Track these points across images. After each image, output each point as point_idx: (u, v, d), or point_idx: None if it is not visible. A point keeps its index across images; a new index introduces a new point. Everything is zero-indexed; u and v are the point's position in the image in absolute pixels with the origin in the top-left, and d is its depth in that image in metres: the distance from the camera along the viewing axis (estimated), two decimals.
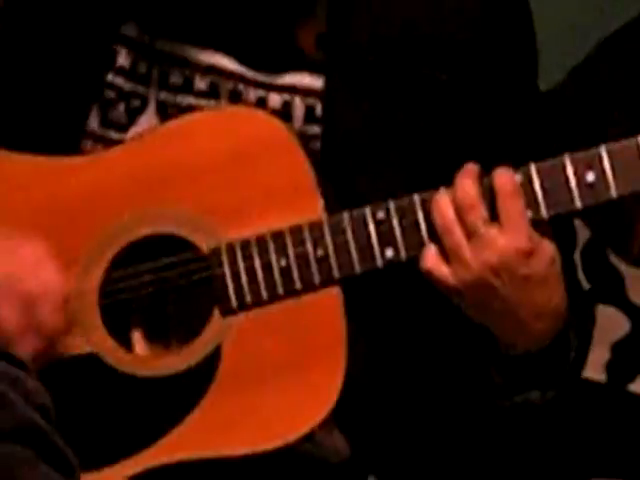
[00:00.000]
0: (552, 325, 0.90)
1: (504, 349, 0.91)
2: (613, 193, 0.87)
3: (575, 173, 0.86)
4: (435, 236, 0.87)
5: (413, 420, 1.00)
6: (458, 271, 0.86)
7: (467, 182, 0.86)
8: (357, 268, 0.88)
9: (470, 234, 0.85)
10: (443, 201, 0.86)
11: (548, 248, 0.87)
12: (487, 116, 0.98)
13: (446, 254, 0.86)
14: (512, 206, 0.85)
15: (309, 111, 0.95)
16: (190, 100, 0.95)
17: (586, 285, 1.19)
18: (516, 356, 0.91)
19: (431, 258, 0.86)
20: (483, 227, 0.85)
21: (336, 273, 0.88)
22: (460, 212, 0.85)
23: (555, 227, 0.90)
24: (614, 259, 1.23)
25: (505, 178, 0.85)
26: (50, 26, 0.96)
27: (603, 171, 0.86)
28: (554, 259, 0.88)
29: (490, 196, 0.87)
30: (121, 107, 0.97)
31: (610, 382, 1.12)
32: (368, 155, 0.95)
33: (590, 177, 0.86)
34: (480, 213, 0.85)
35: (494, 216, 0.85)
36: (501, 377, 0.94)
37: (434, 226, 0.87)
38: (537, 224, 0.86)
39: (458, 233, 0.85)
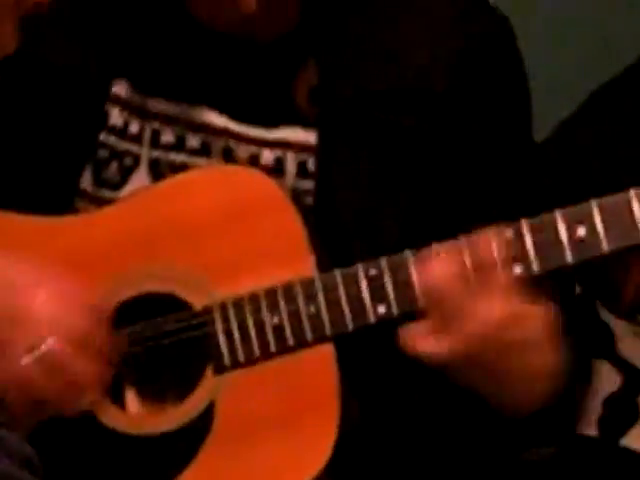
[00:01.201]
0: (552, 385, 0.90)
1: (497, 408, 0.92)
2: (604, 248, 0.88)
3: (566, 229, 0.88)
4: (427, 298, 0.88)
5: (407, 475, 1.00)
6: (450, 338, 0.85)
7: (459, 249, 0.87)
8: (349, 325, 0.89)
9: (462, 300, 0.86)
10: (436, 265, 0.87)
11: (537, 312, 0.87)
12: (476, 169, 0.99)
13: (437, 319, 0.87)
14: (504, 270, 0.86)
15: (301, 166, 0.96)
16: (182, 158, 0.97)
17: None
18: (511, 417, 0.92)
19: (413, 334, 0.86)
20: (476, 293, 0.86)
21: (328, 330, 0.89)
22: (451, 277, 0.86)
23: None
24: (604, 313, 1.26)
25: (497, 244, 0.87)
26: (42, 86, 0.98)
27: (594, 226, 0.87)
28: (545, 321, 0.87)
29: (481, 258, 0.87)
30: (114, 166, 0.98)
31: (603, 437, 1.13)
32: (361, 211, 0.96)
33: (581, 232, 0.87)
34: (471, 278, 0.86)
35: (480, 284, 0.86)
36: (509, 436, 0.95)
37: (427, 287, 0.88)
38: (533, 281, 0.87)
39: (450, 299, 0.86)
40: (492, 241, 0.87)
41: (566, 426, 0.96)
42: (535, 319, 0.87)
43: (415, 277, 0.89)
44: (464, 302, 0.85)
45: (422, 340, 0.86)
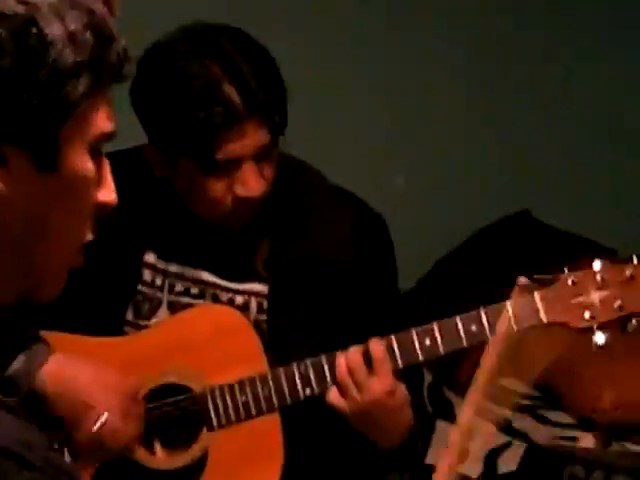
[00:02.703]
0: (405, 432, 1.41)
1: (379, 446, 1.42)
2: (441, 351, 1.38)
3: (419, 340, 1.37)
4: (336, 381, 1.37)
5: None
6: (350, 404, 1.36)
7: (355, 353, 1.36)
8: (288, 400, 1.38)
9: (357, 383, 1.35)
10: (341, 362, 1.36)
11: (402, 388, 1.38)
12: (366, 309, 1.47)
13: (343, 393, 1.36)
14: (381, 365, 1.35)
15: (260, 306, 1.46)
16: (188, 300, 1.46)
17: (430, 408, 1.72)
18: (386, 450, 1.42)
19: (334, 395, 1.37)
20: (365, 378, 1.34)
21: (276, 404, 1.39)
22: (350, 370, 1.35)
23: (407, 374, 1.43)
24: (447, 392, 1.79)
25: (378, 349, 1.35)
26: (100, 255, 1.24)
27: (435, 337, 1.36)
28: (406, 395, 1.38)
29: (368, 358, 1.36)
30: (146, 305, 1.45)
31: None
32: (296, 331, 1.45)
33: (428, 342, 1.37)
34: (363, 370, 1.35)
35: (371, 370, 1.35)
36: (377, 462, 1.45)
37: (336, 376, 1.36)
38: (396, 372, 1.37)
39: (350, 382, 1.35)
40: (379, 345, 1.36)
41: (416, 458, 1.47)
42: (401, 392, 1.37)
43: (328, 371, 1.38)
44: (362, 382, 1.34)
45: (335, 399, 1.36)
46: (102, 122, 0.81)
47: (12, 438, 0.76)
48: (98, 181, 0.83)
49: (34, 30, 0.74)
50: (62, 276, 0.89)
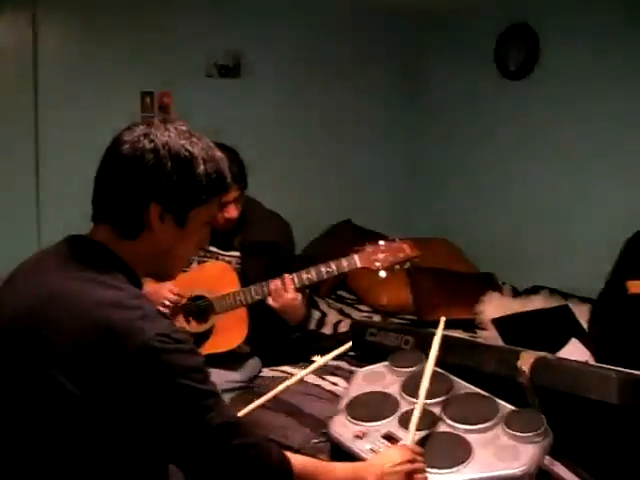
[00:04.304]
0: (300, 317, 3.06)
1: (289, 323, 3.06)
2: (316, 279, 3.09)
3: (307, 273, 3.07)
4: (270, 293, 2.99)
5: None
6: (276, 304, 2.92)
7: (278, 280, 2.96)
8: (250, 302, 2.99)
9: (279, 294, 2.93)
10: (272, 285, 2.92)
11: (299, 296, 2.97)
12: (283, 261, 3.05)
13: (273, 299, 2.94)
14: (289, 285, 2.92)
15: (237, 262, 3.13)
16: (205, 259, 3.17)
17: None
18: (292, 325, 3.09)
19: (269, 300, 2.99)
20: (282, 292, 2.90)
21: (244, 303, 3.01)
22: (276, 288, 2.91)
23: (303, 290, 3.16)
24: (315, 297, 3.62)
25: (287, 278, 2.91)
26: None
27: (313, 272, 3.08)
28: (301, 299, 2.99)
29: (284, 283, 2.98)
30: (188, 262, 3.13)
31: None
32: (252, 272, 3.05)
33: (312, 274, 3.09)
34: (281, 288, 2.92)
35: (285, 287, 3.06)
36: (288, 329, 3.11)
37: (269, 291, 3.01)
38: (297, 289, 3.10)
39: (275, 294, 2.92)
40: (288, 277, 3.02)
41: (305, 328, 3.24)
42: (299, 298, 2.96)
43: (266, 289, 3.08)
44: (281, 293, 2.99)
45: (270, 302, 2.99)
46: (214, 212, 1.62)
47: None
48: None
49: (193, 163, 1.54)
50: (178, 272, 1.67)
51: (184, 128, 1.56)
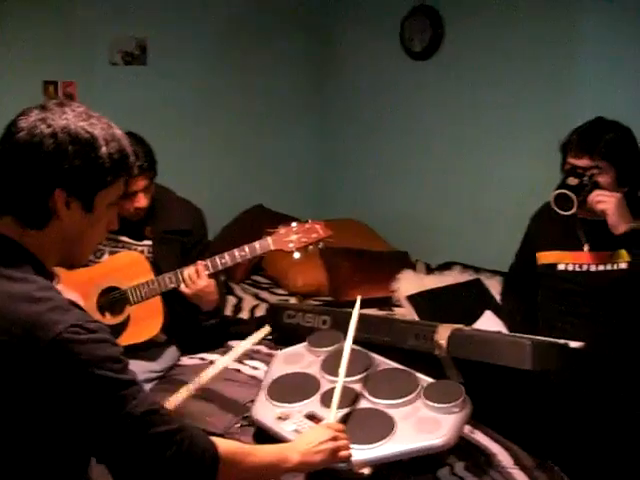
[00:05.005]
0: (214, 303, 3.12)
1: (203, 308, 3.13)
2: (230, 263, 3.13)
3: (220, 259, 3.09)
4: (183, 281, 3.06)
5: None
6: (189, 291, 2.97)
7: (191, 267, 3.01)
8: (164, 289, 3.01)
9: (192, 281, 2.99)
10: (185, 273, 3.00)
11: (212, 282, 3.05)
12: (196, 247, 3.14)
13: (186, 286, 3.03)
14: (202, 272, 3.01)
15: (149, 251, 3.11)
16: (117, 250, 3.13)
17: (225, 291, 3.55)
18: (207, 310, 3.12)
19: (183, 287, 3.04)
20: (196, 279, 2.98)
21: (159, 291, 3.03)
22: (189, 276, 2.97)
23: (216, 276, 3.15)
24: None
25: (200, 265, 2.97)
26: None
27: (227, 257, 3.09)
28: (214, 286, 3.08)
29: (197, 270, 3.07)
30: (98, 253, 3.06)
31: None
32: (165, 260, 3.05)
33: (226, 259, 3.09)
34: (194, 275, 2.98)
35: (198, 274, 3.08)
36: (202, 315, 3.14)
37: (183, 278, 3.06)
38: (210, 275, 3.10)
39: (189, 280, 2.96)
40: (201, 264, 3.08)
41: (220, 314, 3.24)
42: (212, 285, 3.05)
43: (180, 276, 3.06)
44: (194, 280, 3.07)
45: (183, 289, 3.02)
46: (120, 192, 1.57)
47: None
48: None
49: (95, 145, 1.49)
50: (88, 257, 1.68)
51: (81, 109, 1.52)
